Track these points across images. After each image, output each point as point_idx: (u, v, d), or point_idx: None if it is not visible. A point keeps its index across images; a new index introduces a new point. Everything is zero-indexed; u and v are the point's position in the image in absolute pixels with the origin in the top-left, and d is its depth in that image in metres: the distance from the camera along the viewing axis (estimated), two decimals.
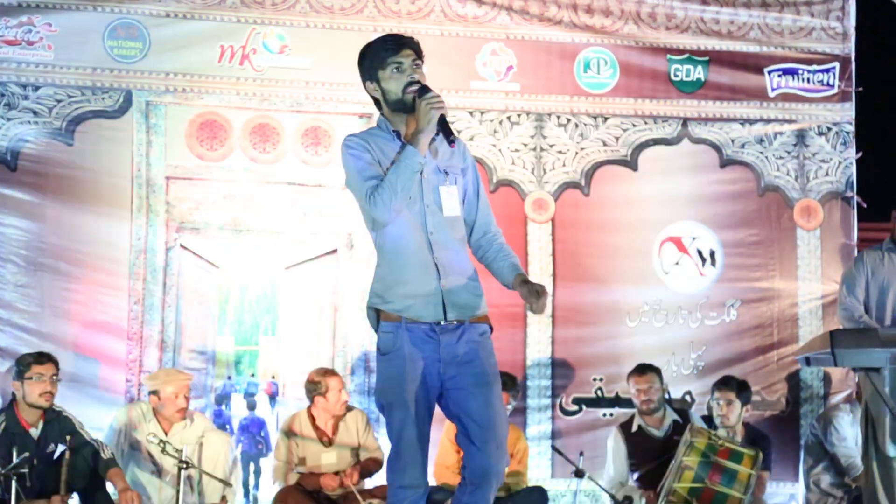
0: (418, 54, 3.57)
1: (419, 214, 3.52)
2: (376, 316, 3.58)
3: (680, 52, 6.83)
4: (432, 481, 5.45)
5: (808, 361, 4.54)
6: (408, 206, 3.48)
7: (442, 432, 5.82)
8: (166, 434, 5.54)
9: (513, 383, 6.01)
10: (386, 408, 3.54)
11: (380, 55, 3.54)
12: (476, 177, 3.70)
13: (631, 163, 6.75)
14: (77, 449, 5.15)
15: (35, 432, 5.17)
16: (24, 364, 5.21)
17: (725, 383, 6.10)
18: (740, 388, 6.08)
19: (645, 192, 6.75)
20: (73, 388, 5.78)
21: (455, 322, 3.51)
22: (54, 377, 5.21)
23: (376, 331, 3.57)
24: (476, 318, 3.58)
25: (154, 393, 5.61)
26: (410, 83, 3.49)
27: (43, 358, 5.23)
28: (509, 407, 5.89)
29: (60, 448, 5.12)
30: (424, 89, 3.46)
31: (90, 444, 5.24)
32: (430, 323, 3.50)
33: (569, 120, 6.71)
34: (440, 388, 3.52)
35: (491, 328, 3.63)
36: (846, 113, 6.93)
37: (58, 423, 5.23)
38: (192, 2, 6.32)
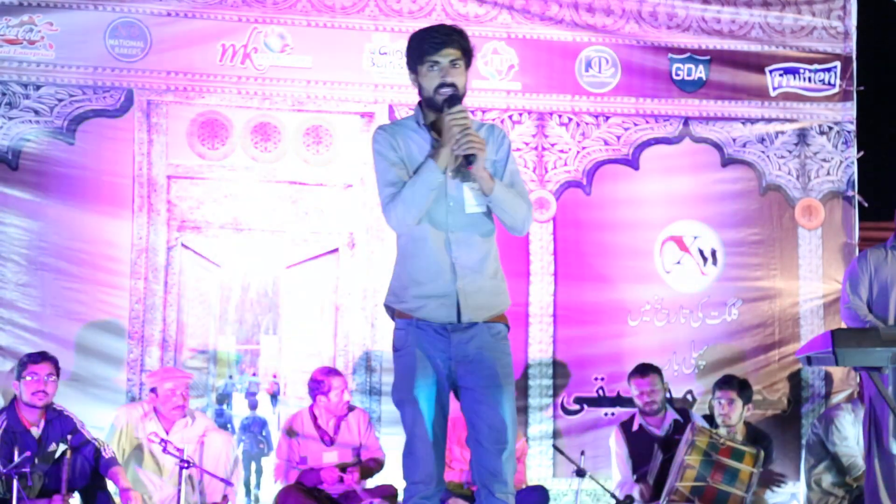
0: (464, 51, 3.51)
1: (441, 213, 3.48)
2: (392, 313, 3.59)
3: (681, 51, 6.82)
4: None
5: (809, 361, 4.53)
6: (432, 205, 3.44)
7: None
8: (167, 433, 5.54)
9: None
10: (398, 404, 3.54)
11: (420, 49, 3.49)
12: (508, 162, 3.62)
13: (632, 162, 6.75)
14: (78, 448, 5.15)
15: (36, 431, 5.18)
16: (21, 364, 5.25)
17: (727, 382, 6.10)
18: (742, 387, 6.07)
19: (646, 191, 6.74)
20: (74, 387, 5.79)
21: (468, 322, 3.49)
22: (49, 376, 5.20)
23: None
24: (492, 318, 3.57)
25: (153, 390, 5.62)
26: (442, 85, 3.44)
27: (39, 357, 5.24)
28: None
29: (62, 447, 5.14)
30: (453, 99, 3.41)
31: (91, 443, 5.24)
32: (442, 322, 3.48)
33: (570, 119, 6.71)
34: (453, 386, 3.53)
35: (508, 327, 3.63)
36: (847, 112, 6.93)
37: (59, 422, 5.24)
38: (193, 1, 6.32)
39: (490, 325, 3.55)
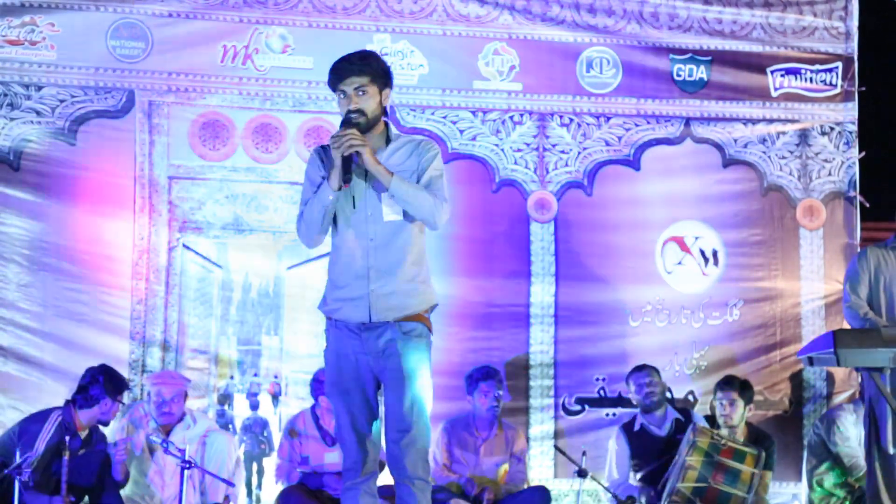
0: (374, 75, 3.77)
1: (362, 223, 3.75)
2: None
3: (683, 51, 6.82)
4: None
5: (810, 361, 4.54)
6: (353, 215, 3.74)
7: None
8: (167, 436, 5.54)
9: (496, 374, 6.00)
10: (327, 396, 3.96)
11: (329, 81, 3.82)
12: (430, 168, 3.81)
13: (633, 162, 6.75)
14: (94, 449, 5.22)
15: (83, 433, 5.34)
16: (123, 389, 5.45)
17: (729, 383, 6.10)
18: (743, 388, 6.08)
19: (647, 191, 6.74)
20: (75, 387, 5.78)
21: (378, 322, 3.74)
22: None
23: None
24: (404, 318, 3.77)
25: (150, 394, 5.61)
26: (349, 112, 3.74)
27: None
28: (500, 394, 5.91)
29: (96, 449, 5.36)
30: (345, 124, 3.70)
31: (106, 449, 5.36)
32: (356, 322, 3.75)
33: (571, 119, 6.71)
34: (377, 380, 3.82)
35: (427, 327, 3.82)
36: (849, 112, 6.92)
37: (95, 430, 5.43)
38: (194, 1, 6.32)
39: (401, 323, 3.77)
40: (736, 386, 6.06)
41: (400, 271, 3.76)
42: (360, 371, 3.79)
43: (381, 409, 3.91)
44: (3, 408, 5.98)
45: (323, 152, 3.85)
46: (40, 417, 5.28)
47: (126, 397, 5.61)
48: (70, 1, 6.21)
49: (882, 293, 5.32)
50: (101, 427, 5.50)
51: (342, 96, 3.79)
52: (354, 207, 3.74)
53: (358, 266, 3.74)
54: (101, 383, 5.30)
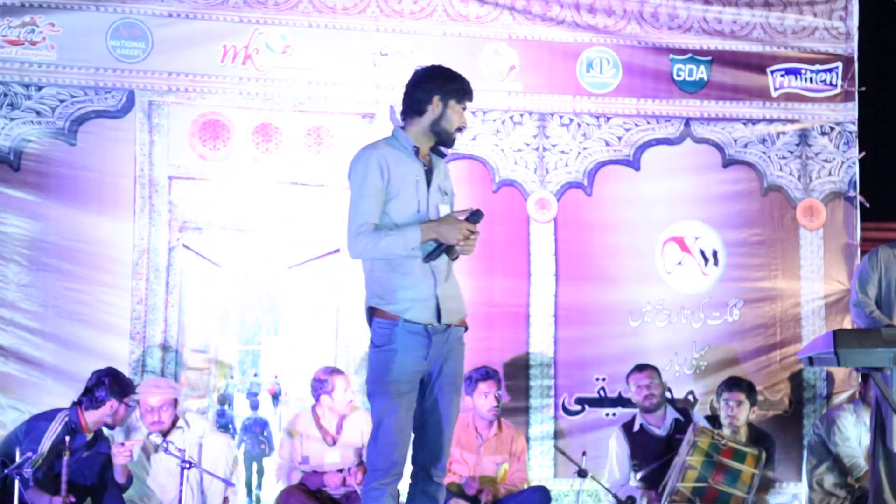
0: None
1: None
2: (371, 313, 3.92)
3: (682, 51, 6.82)
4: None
5: (811, 361, 4.54)
6: (415, 218, 3.86)
7: None
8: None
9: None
10: (371, 395, 3.90)
11: (463, 90, 3.97)
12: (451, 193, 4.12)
13: (633, 163, 6.75)
14: (97, 450, 5.23)
15: (88, 435, 5.34)
16: (129, 391, 5.46)
17: (736, 384, 6.10)
18: (750, 390, 6.09)
19: (647, 191, 6.74)
20: (75, 387, 5.78)
21: (445, 325, 3.88)
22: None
23: (370, 326, 3.93)
24: (460, 322, 4.01)
25: (138, 403, 5.60)
26: (460, 129, 4.00)
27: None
28: (500, 394, 5.92)
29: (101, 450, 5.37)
30: (477, 215, 3.87)
31: (108, 450, 5.34)
32: (423, 324, 3.84)
33: (571, 120, 6.71)
34: (423, 383, 3.91)
35: (466, 328, 4.06)
36: (849, 113, 6.92)
37: (99, 432, 5.42)
38: (194, 2, 6.32)
39: (458, 328, 3.99)
40: (744, 387, 6.07)
41: (452, 276, 3.99)
42: (419, 373, 3.88)
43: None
44: (3, 408, 5.99)
45: (383, 156, 3.88)
46: (47, 417, 5.29)
47: (133, 400, 5.61)
48: (70, 1, 6.21)
49: (892, 293, 5.31)
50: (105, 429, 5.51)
51: (464, 109, 3.99)
52: (419, 211, 3.88)
53: (424, 267, 3.86)
54: (108, 385, 5.30)
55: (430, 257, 3.85)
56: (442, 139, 3.99)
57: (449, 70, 4.04)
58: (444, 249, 3.87)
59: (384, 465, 3.82)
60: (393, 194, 3.85)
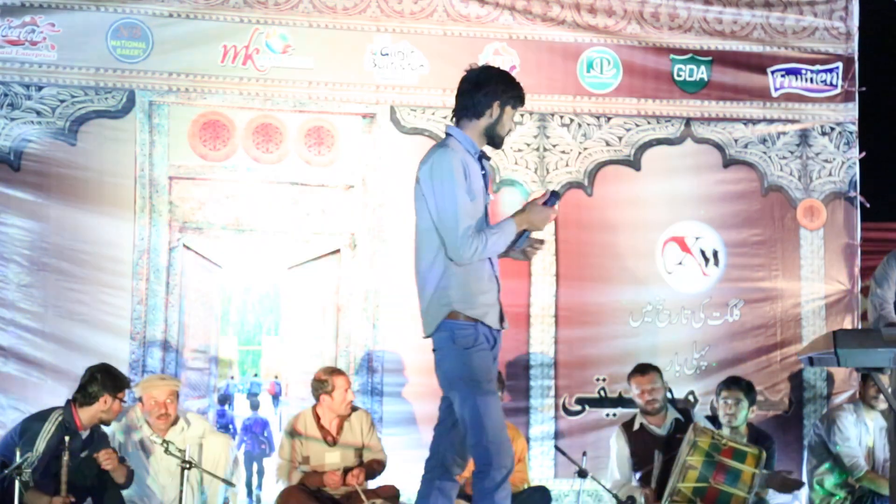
0: None
1: None
2: (444, 314, 3.93)
3: (683, 51, 6.82)
4: None
5: (811, 361, 4.55)
6: (481, 221, 3.94)
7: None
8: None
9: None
10: (482, 394, 3.87)
11: (521, 97, 4.08)
12: None
13: (634, 163, 6.75)
14: (96, 450, 5.23)
15: (84, 434, 5.30)
16: (123, 386, 5.40)
17: (735, 383, 6.09)
18: (748, 389, 6.08)
19: (648, 192, 6.74)
20: (75, 388, 5.78)
21: (500, 329, 4.04)
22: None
23: (436, 328, 3.95)
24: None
25: (140, 399, 5.60)
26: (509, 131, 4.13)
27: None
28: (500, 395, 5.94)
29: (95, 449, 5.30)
30: (556, 196, 4.06)
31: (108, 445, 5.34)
32: (494, 328, 4.00)
33: (572, 120, 6.71)
34: None
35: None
36: (849, 113, 6.93)
37: (97, 430, 5.38)
38: (195, 2, 6.32)
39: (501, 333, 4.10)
40: (742, 386, 6.06)
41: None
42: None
43: None
44: (3, 408, 5.99)
45: (461, 159, 3.93)
46: (40, 417, 5.27)
47: (127, 396, 5.60)
48: (70, 1, 6.21)
49: None
50: (102, 427, 5.50)
51: (517, 114, 4.18)
52: (485, 214, 3.99)
53: (492, 274, 4.01)
54: (100, 381, 5.28)
55: (515, 245, 4.02)
56: (493, 142, 4.08)
57: (509, 75, 4.12)
58: (526, 237, 4.03)
59: (509, 462, 3.86)
60: (470, 197, 3.92)
